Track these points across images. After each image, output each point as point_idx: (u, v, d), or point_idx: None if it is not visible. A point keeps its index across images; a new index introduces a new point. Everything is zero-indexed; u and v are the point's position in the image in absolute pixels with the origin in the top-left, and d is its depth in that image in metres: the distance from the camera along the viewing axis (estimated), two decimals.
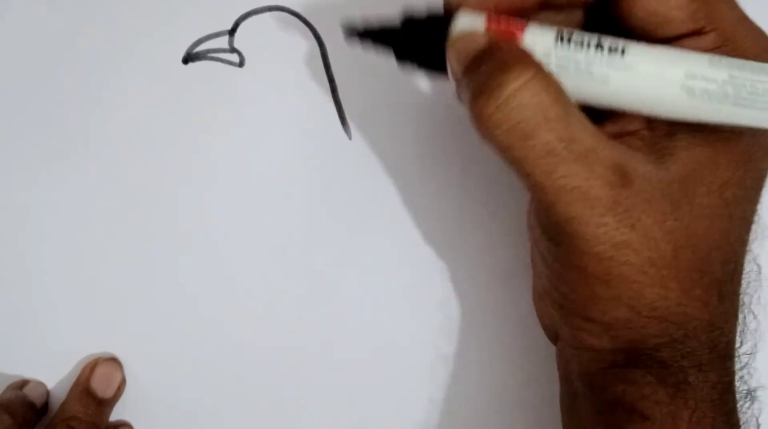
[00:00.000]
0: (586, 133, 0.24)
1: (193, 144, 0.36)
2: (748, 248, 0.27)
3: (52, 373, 0.37)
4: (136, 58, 0.36)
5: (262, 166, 0.36)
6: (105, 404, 0.36)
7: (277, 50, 0.36)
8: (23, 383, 0.36)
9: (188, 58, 0.36)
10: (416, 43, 0.27)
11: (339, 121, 0.36)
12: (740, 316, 0.28)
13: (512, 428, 0.35)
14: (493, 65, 0.24)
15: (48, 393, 0.37)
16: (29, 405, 0.35)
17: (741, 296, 0.28)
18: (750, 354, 0.29)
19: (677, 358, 0.26)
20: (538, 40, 0.25)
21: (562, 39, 0.25)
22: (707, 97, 0.24)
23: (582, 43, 0.25)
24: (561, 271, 0.26)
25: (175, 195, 0.37)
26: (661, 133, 0.26)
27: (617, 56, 0.24)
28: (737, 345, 0.28)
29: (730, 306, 0.27)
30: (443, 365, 0.36)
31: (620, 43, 0.25)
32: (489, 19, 0.26)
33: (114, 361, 0.36)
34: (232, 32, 0.36)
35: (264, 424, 0.37)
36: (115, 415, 0.37)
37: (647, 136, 0.26)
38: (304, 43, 0.36)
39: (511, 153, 0.24)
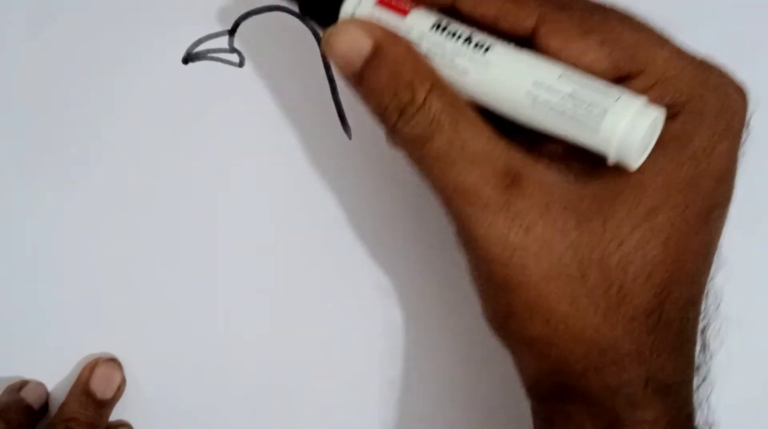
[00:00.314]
0: (479, 137, 0.25)
1: (193, 144, 0.36)
2: (703, 281, 0.27)
3: (51, 373, 0.37)
4: (137, 58, 0.36)
5: (262, 166, 0.36)
6: (105, 405, 0.36)
7: (277, 50, 0.36)
8: (22, 384, 0.36)
9: (188, 58, 0.36)
10: (315, 6, 0.28)
11: (339, 121, 0.36)
12: (697, 351, 0.28)
13: None
14: (389, 77, 0.26)
15: (47, 394, 0.37)
16: (26, 408, 0.35)
17: (695, 330, 0.27)
18: (706, 389, 0.29)
19: (609, 393, 0.26)
20: (417, 23, 0.26)
21: (438, 27, 0.26)
22: (548, 108, 0.25)
23: (454, 34, 0.26)
24: (477, 283, 0.27)
25: (175, 195, 0.37)
26: (593, 155, 0.26)
27: (480, 52, 0.25)
28: (694, 380, 0.27)
29: (668, 339, 0.26)
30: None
31: (489, 41, 0.26)
32: None
33: (114, 361, 0.36)
34: (232, 32, 0.36)
35: (263, 424, 0.37)
36: (115, 415, 0.37)
37: (574, 160, 0.26)
38: (304, 43, 0.36)
39: (410, 156, 0.26)
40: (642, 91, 0.26)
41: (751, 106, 0.27)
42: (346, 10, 0.27)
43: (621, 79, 0.26)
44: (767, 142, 0.29)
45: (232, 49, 0.36)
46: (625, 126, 0.24)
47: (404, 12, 0.26)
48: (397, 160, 0.36)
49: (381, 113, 0.26)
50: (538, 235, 0.25)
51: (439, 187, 0.26)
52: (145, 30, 0.36)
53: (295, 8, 0.30)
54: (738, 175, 0.28)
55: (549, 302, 0.25)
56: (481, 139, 0.25)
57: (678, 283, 0.26)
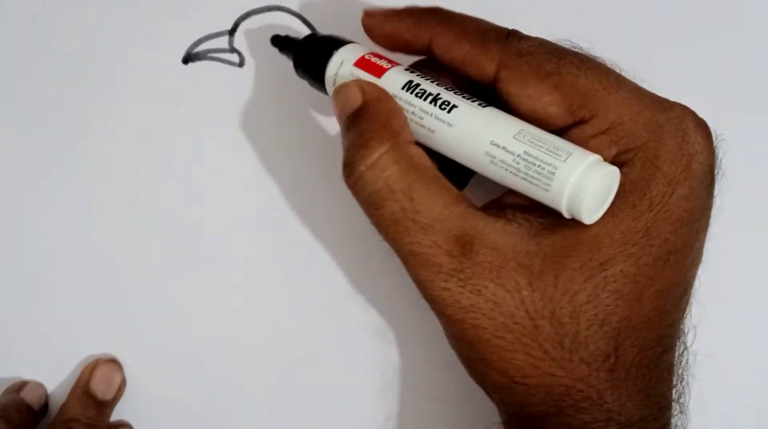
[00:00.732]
0: (434, 204, 0.26)
1: (193, 144, 0.36)
2: (667, 324, 0.27)
3: (51, 374, 0.37)
4: (137, 58, 0.36)
5: (262, 166, 0.36)
6: (105, 406, 0.36)
7: (277, 50, 0.36)
8: (22, 385, 0.36)
9: (188, 58, 0.36)
10: (307, 59, 0.31)
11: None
12: (674, 388, 0.28)
13: None
14: (357, 135, 0.27)
15: (47, 395, 0.37)
16: (26, 408, 0.35)
17: (664, 370, 0.27)
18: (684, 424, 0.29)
19: None
20: (390, 84, 0.28)
21: (408, 87, 0.28)
22: (504, 168, 0.26)
23: (423, 94, 0.27)
24: (445, 336, 0.28)
25: (175, 195, 0.37)
26: (553, 212, 0.26)
27: (444, 112, 0.27)
28: (671, 417, 0.28)
29: (628, 381, 0.26)
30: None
31: (455, 100, 0.27)
32: (361, 60, 0.29)
33: (114, 362, 0.36)
34: (232, 32, 0.36)
35: (263, 423, 0.37)
36: (115, 415, 0.37)
37: (543, 214, 0.27)
38: None
39: (368, 217, 0.27)
40: (593, 136, 0.26)
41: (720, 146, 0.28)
42: (330, 71, 0.29)
43: (576, 123, 0.27)
44: None
45: (232, 49, 0.36)
46: (573, 184, 0.25)
47: (378, 73, 0.28)
48: None
49: (344, 166, 0.27)
50: (490, 296, 0.26)
51: (395, 248, 0.27)
52: (145, 30, 0.36)
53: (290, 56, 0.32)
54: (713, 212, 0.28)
55: (504, 354, 0.26)
56: (437, 207, 0.26)
57: (634, 329, 0.26)
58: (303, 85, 0.32)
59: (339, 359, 0.37)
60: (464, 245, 0.26)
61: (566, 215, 0.26)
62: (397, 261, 0.28)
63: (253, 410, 0.37)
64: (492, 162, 0.26)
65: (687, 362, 0.30)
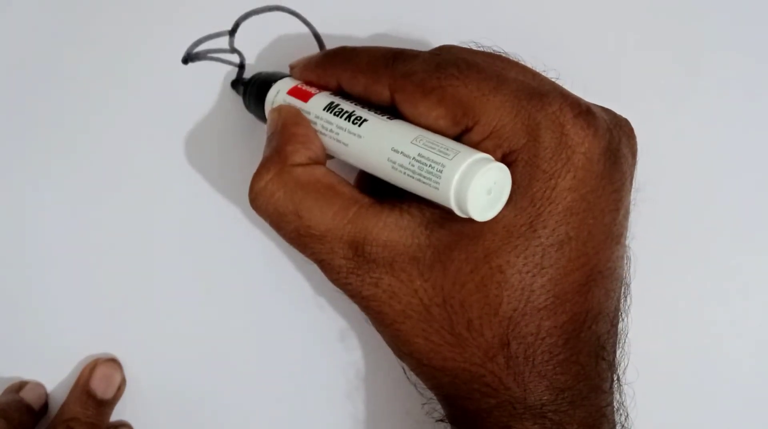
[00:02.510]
0: (322, 217, 0.29)
1: (192, 144, 0.36)
2: (569, 310, 0.28)
3: (51, 374, 0.37)
4: (137, 58, 0.36)
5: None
6: (105, 405, 0.36)
7: (277, 50, 0.36)
8: (22, 385, 0.36)
9: (188, 58, 0.36)
10: (251, 96, 0.34)
11: None
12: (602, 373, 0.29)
13: None
14: (260, 162, 0.30)
15: (47, 394, 0.37)
16: (26, 408, 0.35)
17: (576, 355, 0.28)
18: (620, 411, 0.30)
19: (484, 416, 0.28)
20: (314, 107, 0.31)
21: (329, 108, 0.30)
22: (402, 171, 0.28)
23: (340, 112, 0.30)
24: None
25: (175, 195, 0.37)
26: (442, 206, 0.28)
27: (356, 126, 0.29)
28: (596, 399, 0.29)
29: (530, 367, 0.27)
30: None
31: (367, 115, 0.29)
32: (294, 88, 0.32)
33: (114, 361, 0.36)
34: (232, 32, 0.36)
35: (263, 423, 0.37)
36: (115, 415, 0.37)
37: (434, 206, 0.28)
38: (304, 43, 0.36)
39: (277, 233, 0.30)
40: (478, 142, 0.27)
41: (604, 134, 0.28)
42: (268, 99, 0.33)
43: (463, 132, 0.28)
44: None
45: (232, 49, 0.36)
46: (457, 180, 0.26)
47: (305, 98, 0.31)
48: None
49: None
50: (386, 287, 0.28)
51: (304, 256, 0.30)
52: (145, 30, 0.36)
53: (239, 92, 0.36)
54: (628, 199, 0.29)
55: (407, 338, 0.29)
56: (326, 219, 0.29)
57: (528, 317, 0.27)
58: None
59: (339, 360, 0.37)
60: (357, 247, 0.29)
61: (457, 212, 0.27)
62: None
63: (253, 410, 0.37)
64: (393, 167, 0.28)
65: (620, 346, 0.30)
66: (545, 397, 0.28)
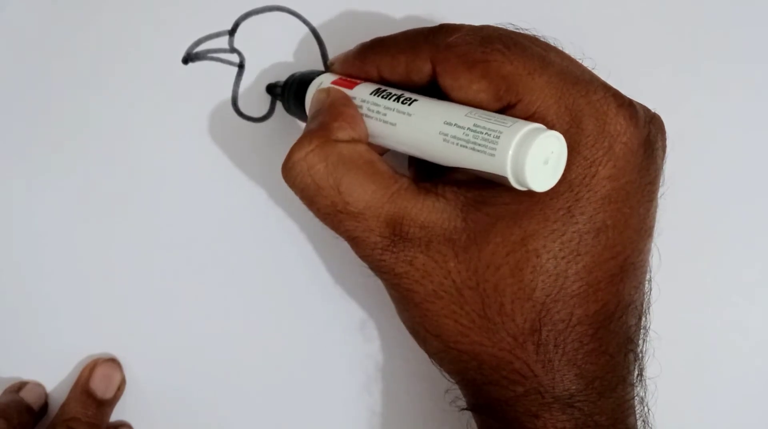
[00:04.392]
0: (362, 195, 0.29)
1: (192, 144, 0.36)
2: (600, 299, 0.28)
3: (51, 374, 0.37)
4: (136, 57, 0.36)
5: (262, 166, 0.36)
6: (105, 405, 0.36)
7: (277, 50, 0.36)
8: (21, 385, 0.36)
9: (188, 58, 0.36)
10: (291, 93, 0.34)
11: None
12: (629, 364, 0.29)
13: None
14: (302, 134, 0.30)
15: (47, 395, 0.37)
16: (26, 408, 0.35)
17: (604, 346, 0.28)
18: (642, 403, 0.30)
19: (509, 405, 0.28)
20: (360, 93, 0.30)
21: (377, 92, 0.30)
22: (455, 142, 0.27)
23: (388, 95, 0.30)
24: (393, 303, 0.31)
25: (174, 194, 0.37)
26: (479, 189, 0.28)
27: (405, 106, 0.29)
28: (621, 391, 0.29)
29: (559, 356, 0.27)
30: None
31: (416, 96, 0.29)
32: (337, 80, 0.32)
33: (113, 361, 0.36)
34: (232, 32, 0.36)
35: (263, 423, 0.37)
36: (115, 415, 0.37)
37: (470, 190, 0.29)
38: (304, 43, 0.36)
39: (307, 207, 0.30)
40: (524, 118, 0.27)
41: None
42: (310, 90, 0.32)
43: (504, 109, 0.28)
44: None
45: (232, 49, 0.36)
46: (516, 145, 0.26)
47: (351, 86, 0.31)
48: (394, 158, 0.36)
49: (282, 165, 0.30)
50: (420, 266, 0.28)
51: (335, 232, 0.30)
52: (146, 30, 0.36)
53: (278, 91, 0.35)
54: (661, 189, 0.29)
55: (436, 319, 0.28)
56: (365, 197, 0.29)
57: (561, 304, 0.27)
58: None
59: (339, 360, 0.37)
60: (394, 226, 0.28)
61: (513, 182, 0.26)
62: None
63: (253, 410, 0.37)
64: (445, 140, 0.27)
65: (644, 340, 0.30)
66: (574, 387, 0.28)
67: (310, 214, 0.29)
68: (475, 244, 0.28)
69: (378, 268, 0.29)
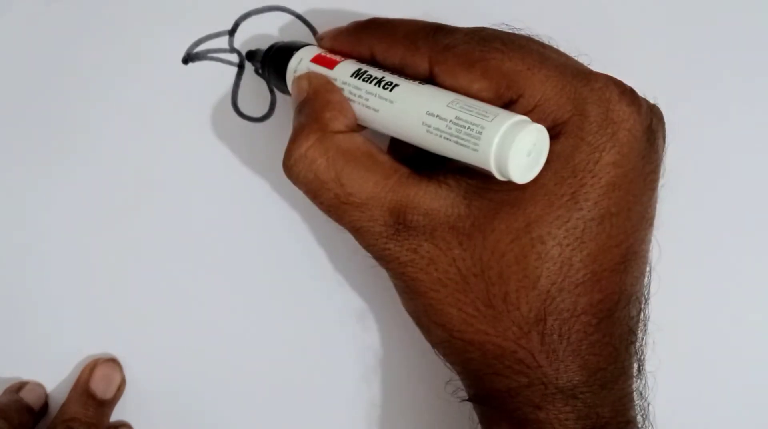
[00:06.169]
0: (364, 185, 0.29)
1: (192, 144, 0.36)
2: (605, 288, 0.27)
3: (51, 374, 0.37)
4: (137, 58, 0.36)
5: (262, 166, 0.36)
6: (105, 405, 0.36)
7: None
8: (21, 385, 0.36)
9: (188, 58, 0.36)
10: (271, 65, 0.33)
11: None
12: (630, 355, 0.29)
13: None
14: (294, 129, 0.30)
15: (47, 395, 0.37)
16: (26, 408, 0.35)
17: (608, 338, 0.28)
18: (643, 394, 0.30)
19: (512, 396, 0.28)
20: (341, 74, 0.30)
21: (357, 74, 0.30)
22: (438, 134, 0.27)
23: (369, 78, 0.29)
24: (397, 292, 0.31)
25: (174, 194, 0.37)
26: (481, 175, 0.28)
27: (387, 91, 0.29)
28: (624, 383, 0.29)
29: (563, 346, 0.27)
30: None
31: (397, 80, 0.29)
32: (317, 56, 0.31)
33: (113, 361, 0.36)
34: (232, 32, 0.36)
35: (263, 423, 0.37)
36: (115, 415, 0.37)
37: (473, 176, 0.28)
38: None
39: (312, 201, 0.30)
40: (525, 113, 0.27)
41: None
42: (290, 67, 0.32)
43: (506, 105, 0.28)
44: None
45: (232, 49, 0.36)
46: (498, 141, 0.26)
47: (331, 66, 0.31)
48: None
49: (283, 158, 0.30)
50: (425, 254, 0.28)
51: (339, 224, 0.30)
52: (145, 30, 0.36)
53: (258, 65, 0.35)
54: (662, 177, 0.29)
55: (441, 307, 0.28)
56: (367, 187, 0.29)
57: (566, 293, 0.27)
58: None
59: (339, 359, 0.37)
60: (398, 215, 0.28)
61: (496, 175, 0.26)
62: None
63: (253, 410, 0.37)
64: (428, 131, 0.27)
65: (644, 333, 0.30)
66: (577, 378, 0.27)
67: (310, 212, 0.29)
68: (480, 231, 0.27)
69: (383, 257, 0.29)
